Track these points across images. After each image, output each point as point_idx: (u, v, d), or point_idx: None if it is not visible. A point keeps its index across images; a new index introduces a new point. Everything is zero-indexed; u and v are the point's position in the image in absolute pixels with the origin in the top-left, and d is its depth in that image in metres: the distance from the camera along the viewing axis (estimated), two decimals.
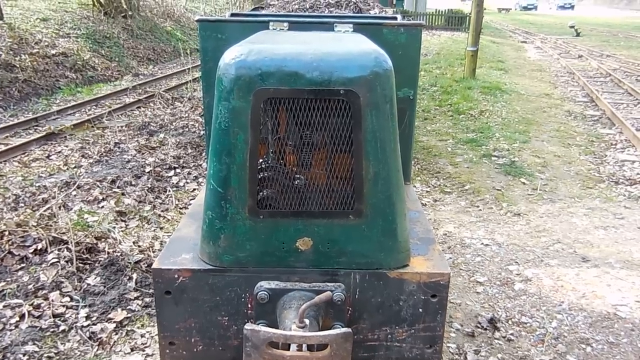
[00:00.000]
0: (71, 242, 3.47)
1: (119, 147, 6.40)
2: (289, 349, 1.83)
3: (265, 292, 2.03)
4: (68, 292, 3.26)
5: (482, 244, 4.43)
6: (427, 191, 5.66)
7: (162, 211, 4.64)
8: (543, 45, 22.47)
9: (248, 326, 1.81)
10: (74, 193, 4.86)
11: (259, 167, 2.02)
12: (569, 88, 12.01)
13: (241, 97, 1.89)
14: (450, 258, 4.21)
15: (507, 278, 3.88)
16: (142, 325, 3.10)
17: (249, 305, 2.11)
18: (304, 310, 1.83)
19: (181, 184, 5.45)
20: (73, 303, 3.21)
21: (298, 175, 2.05)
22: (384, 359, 2.24)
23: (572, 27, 28.12)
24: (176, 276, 2.08)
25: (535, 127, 8.33)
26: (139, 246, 3.88)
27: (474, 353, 3.12)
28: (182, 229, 2.46)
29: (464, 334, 3.31)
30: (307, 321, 1.86)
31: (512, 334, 3.29)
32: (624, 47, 21.52)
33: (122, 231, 4.14)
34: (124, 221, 4.35)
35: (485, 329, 3.35)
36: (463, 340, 3.25)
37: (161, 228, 4.26)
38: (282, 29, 2.85)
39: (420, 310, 2.18)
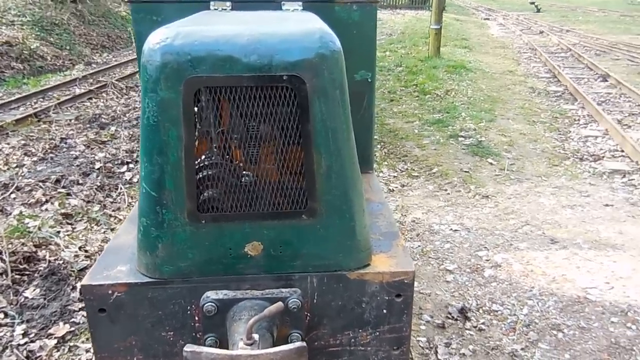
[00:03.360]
0: (5, 253, 3.16)
1: (65, 143, 5.99)
2: None
3: (212, 304, 1.84)
4: (2, 307, 2.97)
5: (451, 229, 4.33)
6: (394, 176, 5.52)
7: (113, 211, 4.35)
8: (505, 21, 22.61)
9: (188, 347, 1.61)
10: (12, 196, 4.50)
11: (200, 166, 1.80)
12: (531, 64, 12.06)
13: (170, 88, 1.65)
14: (420, 246, 4.10)
15: (476, 264, 3.79)
16: (88, 339, 2.85)
17: (196, 318, 1.92)
18: (251, 326, 1.65)
19: (135, 179, 5.14)
20: (8, 320, 2.94)
21: (246, 172, 1.84)
22: None
23: (532, 3, 28.42)
24: (110, 292, 1.86)
25: (500, 105, 8.29)
26: (86, 251, 3.61)
27: (444, 346, 3.01)
28: (121, 235, 2.23)
29: (435, 325, 3.20)
30: (256, 337, 1.68)
31: (483, 323, 3.19)
32: (582, 22, 21.86)
33: (67, 235, 3.85)
34: (70, 224, 4.05)
35: (456, 320, 3.24)
36: (433, 332, 3.14)
37: (112, 229, 3.99)
38: (225, 9, 2.59)
39: (385, 311, 2.03)
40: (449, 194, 5.09)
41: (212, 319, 1.82)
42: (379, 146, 6.39)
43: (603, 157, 5.99)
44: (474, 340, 3.07)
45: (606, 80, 9.92)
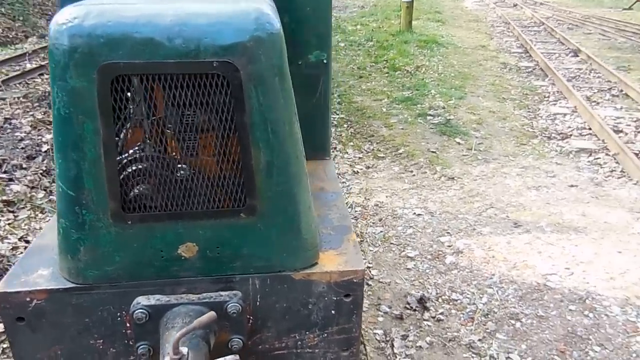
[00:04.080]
0: None
1: (10, 124, 5.61)
2: None
3: (143, 311, 1.69)
4: None
5: (415, 213, 4.23)
6: (359, 157, 5.37)
7: None
8: None
9: None
10: None
11: (127, 160, 1.61)
12: (504, 39, 11.94)
13: (81, 75, 1.46)
14: (382, 232, 3.98)
15: (438, 251, 3.70)
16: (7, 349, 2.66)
17: (128, 325, 1.77)
18: (177, 340, 1.50)
19: None
20: None
21: (180, 166, 1.66)
22: None
23: None
24: (28, 299, 1.70)
25: (471, 82, 8.17)
26: (27, 242, 3.39)
27: (401, 339, 2.92)
28: (47, 234, 2.04)
29: (393, 317, 3.11)
30: (184, 350, 1.53)
31: (442, 314, 3.11)
32: None
33: (8, 224, 3.61)
34: (12, 212, 3.80)
35: (415, 310, 3.16)
36: (391, 324, 3.04)
37: None
38: None
39: (333, 312, 1.92)
40: (414, 175, 4.97)
41: (144, 327, 1.69)
42: (345, 125, 6.22)
43: (570, 135, 5.94)
44: (431, 331, 2.99)
45: (577, 56, 9.87)
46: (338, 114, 6.60)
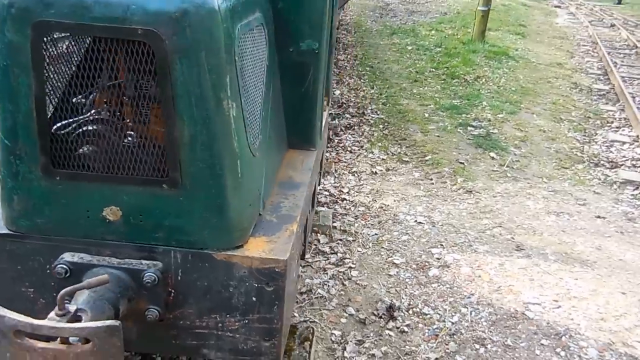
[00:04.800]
0: None
1: None
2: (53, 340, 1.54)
3: (64, 266, 1.78)
4: None
5: (416, 221, 4.07)
6: (382, 159, 5.26)
7: None
8: (577, 11, 20.94)
9: None
10: None
11: (61, 117, 1.70)
12: (586, 58, 11.11)
13: (17, 31, 1.56)
14: (376, 234, 3.88)
15: (425, 262, 3.54)
16: None
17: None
18: (62, 296, 1.54)
19: None
20: None
21: (108, 130, 1.72)
22: (215, 349, 1.99)
23: None
24: None
25: (530, 98, 7.70)
26: None
27: (355, 344, 2.84)
28: None
29: (356, 320, 3.03)
30: (72, 308, 1.57)
31: (407, 325, 2.98)
32: None
33: None
34: None
35: (381, 317, 3.05)
36: (352, 327, 2.96)
37: None
38: None
39: (254, 299, 1.91)
40: (432, 184, 4.79)
41: (66, 282, 1.75)
42: (380, 126, 6.11)
43: (622, 165, 5.43)
44: (390, 342, 2.87)
45: None
46: (378, 114, 6.50)
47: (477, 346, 2.80)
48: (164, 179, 1.71)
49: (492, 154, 5.52)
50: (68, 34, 1.64)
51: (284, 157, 2.69)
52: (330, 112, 6.41)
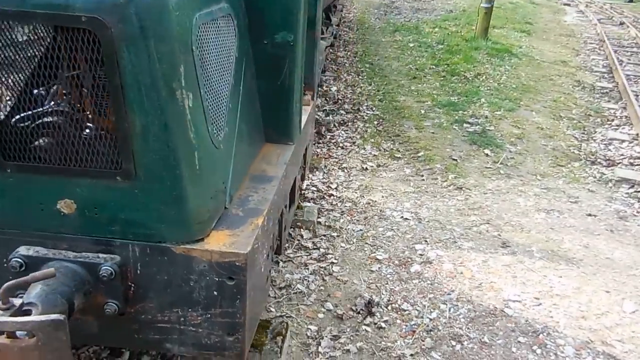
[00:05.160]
0: None
1: None
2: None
3: (19, 260, 1.76)
4: None
5: (402, 217, 4.02)
6: (374, 155, 5.21)
7: None
8: (586, 9, 20.66)
9: None
10: None
11: (10, 109, 1.69)
12: (591, 56, 10.95)
13: None
14: (361, 230, 3.84)
15: (408, 258, 3.49)
16: None
17: None
18: (5, 290, 1.51)
19: None
20: None
21: (58, 121, 1.71)
22: (178, 343, 1.96)
23: None
24: None
25: (531, 96, 7.60)
26: None
27: (331, 339, 2.80)
28: None
29: (334, 315, 2.99)
30: (16, 302, 1.55)
31: (385, 321, 2.94)
32: None
33: None
34: None
35: (359, 313, 3.01)
36: (329, 323, 2.93)
37: None
38: None
39: (215, 293, 1.87)
40: (423, 180, 4.73)
41: (22, 276, 1.73)
42: (375, 122, 6.07)
43: (619, 163, 5.33)
44: (367, 337, 2.83)
45: None
46: (373, 110, 6.45)
47: (454, 343, 2.76)
48: (117, 171, 1.68)
49: (486, 151, 5.45)
50: (7, 21, 1.60)
51: (260, 150, 2.66)
52: (324, 108, 6.38)
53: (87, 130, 1.68)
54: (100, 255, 1.81)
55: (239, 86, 2.26)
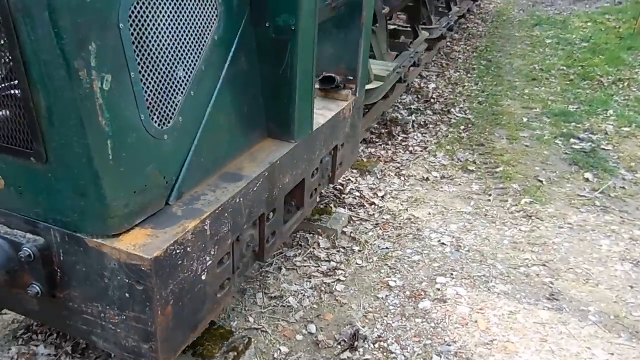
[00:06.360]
0: None
1: None
2: None
3: None
4: None
5: (440, 241, 3.47)
6: (443, 164, 4.61)
7: None
8: None
9: None
10: None
11: None
12: None
13: None
14: (387, 249, 3.40)
15: (421, 290, 2.98)
16: None
17: None
18: None
19: None
20: None
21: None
22: (102, 339, 1.94)
23: None
24: None
25: None
26: None
27: None
28: None
29: (312, 340, 2.68)
30: None
31: None
32: None
33: None
34: None
35: (339, 344, 2.65)
36: (304, 347, 2.64)
37: None
38: None
39: (127, 295, 1.78)
40: (488, 200, 4.05)
41: None
42: (461, 127, 5.39)
43: None
44: None
45: None
46: (465, 113, 5.75)
47: None
48: (30, 152, 1.64)
49: (587, 175, 4.48)
50: None
51: (255, 146, 2.46)
52: (409, 106, 5.85)
53: (8, 108, 1.64)
54: (27, 235, 1.79)
55: (217, 71, 2.06)
